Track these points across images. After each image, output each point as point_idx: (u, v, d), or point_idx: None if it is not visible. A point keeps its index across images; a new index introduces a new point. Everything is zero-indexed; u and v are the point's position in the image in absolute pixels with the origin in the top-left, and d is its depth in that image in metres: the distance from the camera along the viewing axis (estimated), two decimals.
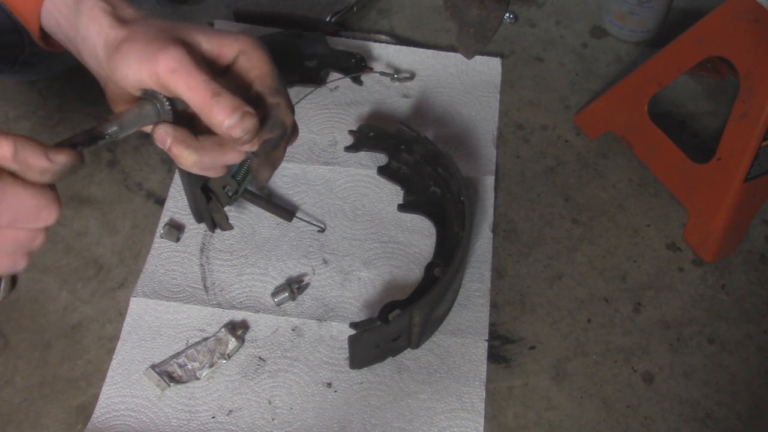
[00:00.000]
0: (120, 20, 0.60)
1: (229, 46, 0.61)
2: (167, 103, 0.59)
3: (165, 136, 0.58)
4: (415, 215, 0.98)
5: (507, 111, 1.10)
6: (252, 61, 0.61)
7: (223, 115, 0.56)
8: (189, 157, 0.59)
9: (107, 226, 0.97)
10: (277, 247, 0.95)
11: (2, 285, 0.57)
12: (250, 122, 0.57)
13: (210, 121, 0.57)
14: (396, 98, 1.10)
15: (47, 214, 0.51)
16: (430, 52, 1.14)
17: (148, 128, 0.61)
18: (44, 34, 0.67)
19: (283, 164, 1.00)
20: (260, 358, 0.87)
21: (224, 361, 0.86)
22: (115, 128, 0.56)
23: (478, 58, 1.14)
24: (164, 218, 0.97)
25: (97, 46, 0.60)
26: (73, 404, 0.85)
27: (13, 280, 0.58)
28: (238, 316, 0.90)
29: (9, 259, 0.53)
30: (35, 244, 0.53)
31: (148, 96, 0.59)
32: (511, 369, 0.88)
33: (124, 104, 0.62)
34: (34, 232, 0.52)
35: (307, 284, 0.92)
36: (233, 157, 0.62)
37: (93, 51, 0.61)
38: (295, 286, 0.91)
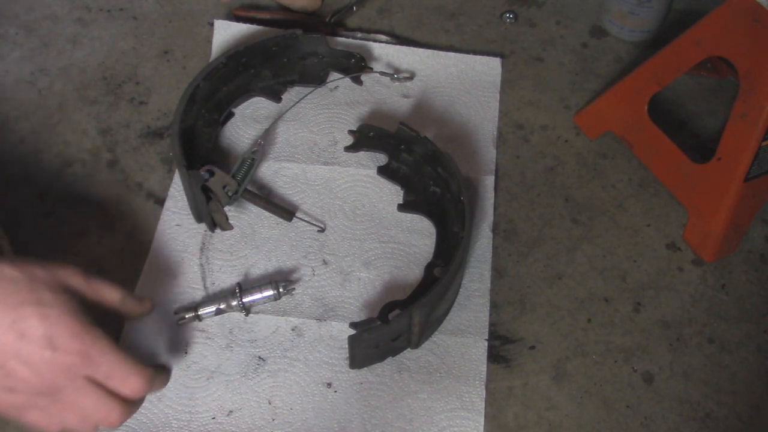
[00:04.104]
0: None
1: None
2: None
3: None
4: (415, 215, 0.98)
5: (507, 111, 1.10)
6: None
7: None
8: None
9: (107, 226, 0.97)
10: (277, 247, 0.95)
11: None
12: None
13: None
14: (396, 98, 1.10)
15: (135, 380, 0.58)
16: (430, 52, 1.14)
17: None
18: None
19: (283, 164, 1.01)
20: (260, 358, 0.87)
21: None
22: None
23: (478, 58, 1.14)
24: (164, 218, 0.97)
25: None
26: None
27: None
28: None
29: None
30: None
31: None
32: (511, 369, 0.88)
33: None
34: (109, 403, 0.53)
35: (294, 287, 0.90)
36: None
37: None
38: (281, 284, 0.89)
